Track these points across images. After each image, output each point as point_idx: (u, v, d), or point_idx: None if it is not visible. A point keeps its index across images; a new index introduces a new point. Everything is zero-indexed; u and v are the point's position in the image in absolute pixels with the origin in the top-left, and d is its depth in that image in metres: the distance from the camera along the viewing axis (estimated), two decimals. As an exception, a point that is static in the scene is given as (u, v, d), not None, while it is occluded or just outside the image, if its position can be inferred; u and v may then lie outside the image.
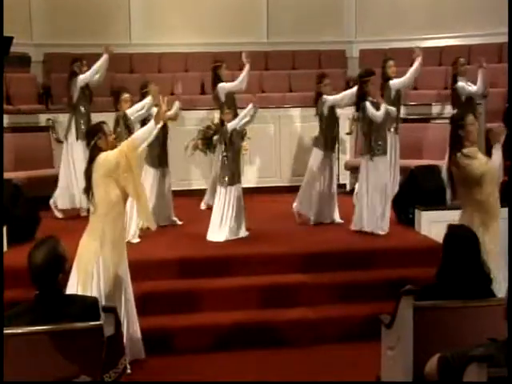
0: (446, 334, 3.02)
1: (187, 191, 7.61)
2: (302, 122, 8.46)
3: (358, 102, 6.33)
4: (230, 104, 7.28)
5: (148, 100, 6.36)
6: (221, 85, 7.38)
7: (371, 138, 6.22)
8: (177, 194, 6.90)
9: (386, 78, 7.32)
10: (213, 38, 10.13)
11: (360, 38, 10.55)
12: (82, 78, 7.11)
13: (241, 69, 9.08)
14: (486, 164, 4.55)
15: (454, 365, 2.42)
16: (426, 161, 7.36)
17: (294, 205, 6.74)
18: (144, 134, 4.46)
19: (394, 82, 7.29)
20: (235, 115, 6.77)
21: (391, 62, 7.52)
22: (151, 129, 4.46)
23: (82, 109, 7.17)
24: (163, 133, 6.61)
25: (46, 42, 9.83)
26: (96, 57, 9.80)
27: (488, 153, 4.87)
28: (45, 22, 9.89)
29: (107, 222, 4.24)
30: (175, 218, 6.72)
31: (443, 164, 7.06)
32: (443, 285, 3.22)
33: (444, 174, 6.71)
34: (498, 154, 4.62)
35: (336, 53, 10.52)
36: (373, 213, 6.17)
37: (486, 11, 9.74)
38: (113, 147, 4.32)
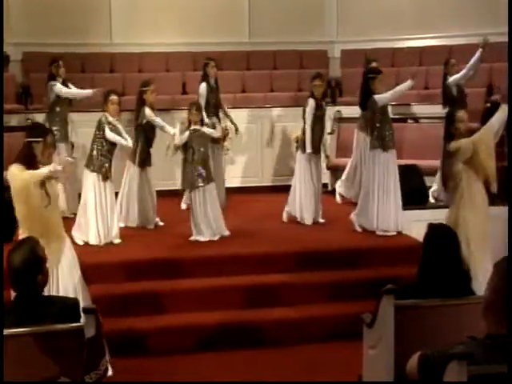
0: (427, 333, 3.04)
1: (168, 191, 7.57)
2: (283, 122, 8.47)
3: (364, 100, 6.33)
4: (211, 104, 7.26)
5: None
6: (202, 84, 7.37)
7: (379, 133, 6.23)
8: (158, 194, 6.87)
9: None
10: (194, 37, 10.10)
11: (341, 38, 10.59)
12: (58, 91, 7.03)
13: (222, 69, 9.06)
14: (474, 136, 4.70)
15: (434, 363, 2.43)
16: (405, 160, 7.41)
17: (287, 209, 6.76)
18: (39, 175, 4.17)
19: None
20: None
21: (374, 64, 7.55)
22: (44, 173, 4.19)
23: (58, 111, 7.09)
24: (153, 136, 6.62)
25: (24, 41, 9.74)
26: (76, 56, 9.74)
27: None
28: (23, 21, 9.78)
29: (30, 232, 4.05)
30: (157, 219, 6.70)
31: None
32: (424, 283, 3.24)
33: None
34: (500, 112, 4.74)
35: (318, 53, 10.55)
36: (386, 210, 6.15)
37: (468, 12, 9.83)
38: (46, 162, 4.23)
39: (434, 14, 10.08)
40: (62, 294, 4.20)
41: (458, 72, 7.74)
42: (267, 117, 8.49)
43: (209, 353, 4.80)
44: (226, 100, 8.36)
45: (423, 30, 10.17)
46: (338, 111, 8.59)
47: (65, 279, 4.29)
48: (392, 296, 3.21)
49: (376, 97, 6.25)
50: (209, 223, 6.06)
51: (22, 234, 4.20)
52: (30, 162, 4.20)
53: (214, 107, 7.35)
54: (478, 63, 7.64)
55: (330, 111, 8.19)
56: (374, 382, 3.42)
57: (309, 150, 6.54)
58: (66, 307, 3.01)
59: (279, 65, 10.46)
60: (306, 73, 9.58)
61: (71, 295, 4.09)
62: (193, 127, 6.13)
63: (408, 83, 6.35)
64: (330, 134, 8.39)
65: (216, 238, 6.05)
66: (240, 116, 8.35)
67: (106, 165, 6.02)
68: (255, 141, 8.39)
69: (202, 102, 7.15)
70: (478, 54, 7.57)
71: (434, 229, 3.40)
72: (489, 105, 8.79)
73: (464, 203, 4.72)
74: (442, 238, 3.31)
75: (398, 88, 6.38)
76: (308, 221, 6.63)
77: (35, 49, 9.59)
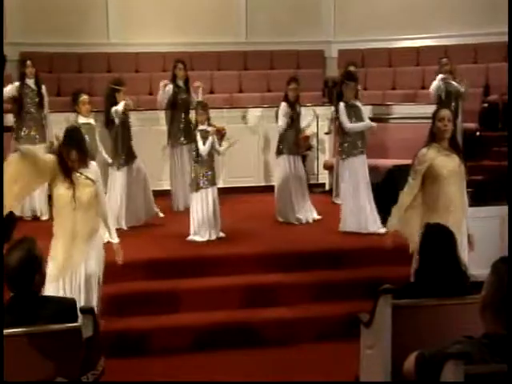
0: (425, 332, 3.04)
1: (163, 191, 7.55)
2: (280, 122, 8.46)
3: (336, 103, 6.35)
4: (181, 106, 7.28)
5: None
6: (169, 86, 7.36)
7: (347, 139, 6.23)
8: (153, 194, 6.85)
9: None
10: (191, 37, 10.10)
11: (338, 38, 10.60)
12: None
13: (219, 69, 9.01)
14: (431, 157, 4.43)
15: (431, 362, 2.43)
16: (402, 160, 7.40)
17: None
18: None
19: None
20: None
21: (352, 68, 7.58)
22: None
23: (28, 112, 7.07)
24: (127, 127, 6.50)
25: (21, 41, 9.72)
26: (73, 56, 9.66)
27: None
28: (20, 20, 9.77)
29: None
30: (157, 210, 6.65)
31: None
32: (421, 283, 3.25)
33: None
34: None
35: (314, 53, 10.56)
36: (362, 212, 6.18)
37: (463, 12, 9.86)
38: (70, 167, 4.20)
39: (430, 15, 10.09)
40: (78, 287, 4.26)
41: (450, 71, 7.82)
42: (264, 117, 8.49)
43: (204, 353, 4.80)
44: (223, 100, 8.36)
45: (420, 30, 10.18)
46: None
47: (86, 272, 4.31)
48: (389, 296, 3.21)
49: (341, 109, 6.18)
50: (208, 224, 6.05)
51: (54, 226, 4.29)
52: (63, 167, 4.18)
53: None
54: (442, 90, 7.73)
55: (327, 111, 8.19)
56: (371, 382, 3.43)
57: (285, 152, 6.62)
58: (63, 308, 3.00)
59: (276, 65, 10.46)
60: (303, 73, 9.60)
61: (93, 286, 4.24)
62: (200, 127, 6.10)
63: (369, 123, 6.31)
64: (327, 133, 8.41)
65: (213, 238, 6.06)
66: (237, 116, 8.37)
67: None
68: (252, 141, 8.39)
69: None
70: (435, 83, 7.70)
71: (430, 228, 3.40)
72: (486, 105, 8.82)
73: (427, 207, 4.60)
74: (439, 237, 3.32)
75: (358, 125, 6.24)
76: (295, 221, 6.66)
77: (32, 49, 9.55)
